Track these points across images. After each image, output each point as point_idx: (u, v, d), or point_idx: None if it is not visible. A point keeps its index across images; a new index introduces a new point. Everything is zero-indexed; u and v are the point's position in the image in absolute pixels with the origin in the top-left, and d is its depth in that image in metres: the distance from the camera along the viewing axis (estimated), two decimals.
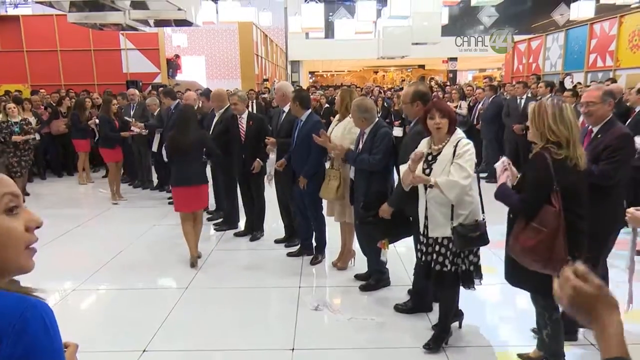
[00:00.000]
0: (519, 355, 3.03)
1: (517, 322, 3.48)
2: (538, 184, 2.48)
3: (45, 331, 0.87)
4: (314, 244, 4.75)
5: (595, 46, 10.81)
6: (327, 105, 10.48)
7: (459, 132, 3.00)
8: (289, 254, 4.85)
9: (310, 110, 4.53)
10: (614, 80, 8.44)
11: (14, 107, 7.07)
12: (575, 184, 2.48)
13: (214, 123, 5.53)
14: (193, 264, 4.55)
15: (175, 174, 4.54)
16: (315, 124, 4.39)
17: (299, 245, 4.89)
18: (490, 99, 8.20)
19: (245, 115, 5.07)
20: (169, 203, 6.56)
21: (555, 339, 2.76)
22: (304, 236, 4.81)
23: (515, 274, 2.71)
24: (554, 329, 2.73)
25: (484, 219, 2.98)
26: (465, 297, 3.20)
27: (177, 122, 4.62)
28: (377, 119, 3.80)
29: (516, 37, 16.20)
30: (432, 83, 16.74)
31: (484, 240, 2.95)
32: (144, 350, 3.18)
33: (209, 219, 6.03)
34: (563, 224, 2.42)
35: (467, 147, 2.92)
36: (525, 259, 2.53)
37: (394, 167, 3.70)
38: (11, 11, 22.25)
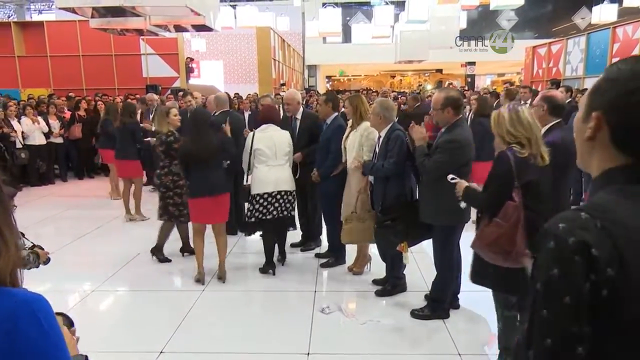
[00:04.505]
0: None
1: None
2: (499, 181, 2.62)
3: (39, 327, 0.82)
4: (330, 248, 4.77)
5: (617, 50, 10.61)
6: (343, 108, 10.49)
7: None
8: (317, 255, 4.91)
9: (337, 114, 4.58)
10: None
11: (177, 113, 4.83)
12: (535, 182, 2.59)
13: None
14: (199, 280, 4.27)
15: (196, 183, 4.09)
16: (336, 129, 4.45)
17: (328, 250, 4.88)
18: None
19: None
20: None
21: (505, 335, 2.87)
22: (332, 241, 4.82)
23: (478, 272, 2.83)
24: (505, 325, 2.86)
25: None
26: (486, 304, 3.15)
27: (190, 128, 4.21)
28: (394, 121, 3.80)
29: (536, 41, 15.96)
30: (451, 88, 16.60)
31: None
32: (161, 352, 3.20)
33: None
34: (523, 217, 2.53)
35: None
36: (488, 253, 2.66)
37: (413, 170, 3.68)
38: (36, 17, 22.82)
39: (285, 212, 4.37)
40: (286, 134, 4.43)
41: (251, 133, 4.33)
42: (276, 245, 4.76)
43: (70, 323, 1.15)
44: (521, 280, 2.63)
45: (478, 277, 2.88)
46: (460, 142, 3.24)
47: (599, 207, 0.87)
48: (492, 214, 2.63)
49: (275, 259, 4.66)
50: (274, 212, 4.28)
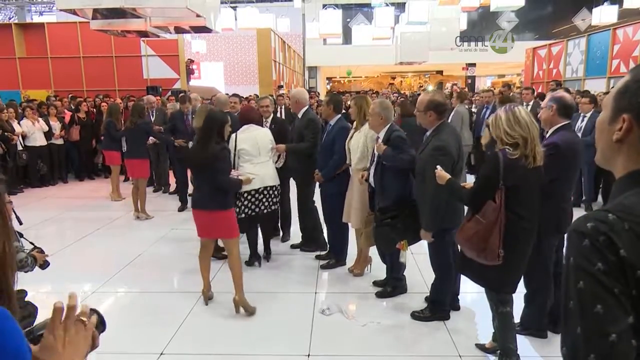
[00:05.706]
0: (476, 345, 3.18)
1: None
2: (484, 180, 2.68)
3: None
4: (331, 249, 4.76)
5: (618, 52, 10.61)
6: (344, 110, 10.48)
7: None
8: (318, 257, 4.89)
9: (340, 115, 4.58)
10: None
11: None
12: (521, 186, 2.61)
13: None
14: (208, 299, 3.96)
15: (194, 194, 3.93)
16: (340, 130, 4.46)
17: (329, 252, 4.87)
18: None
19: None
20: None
21: (502, 332, 2.88)
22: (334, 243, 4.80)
23: (461, 263, 2.88)
24: (501, 322, 2.86)
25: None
26: (486, 305, 3.15)
27: (198, 131, 3.97)
28: (391, 121, 3.81)
29: (536, 42, 15.93)
30: (454, 89, 16.56)
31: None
32: (161, 353, 3.20)
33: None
34: (502, 219, 2.57)
35: None
36: (464, 247, 2.74)
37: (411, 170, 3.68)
38: (36, 19, 22.87)
39: (273, 207, 4.56)
40: (267, 132, 4.61)
41: (233, 135, 4.36)
42: (263, 242, 4.89)
43: (101, 322, 1.10)
44: (498, 276, 2.68)
45: (460, 267, 2.95)
46: (447, 148, 3.23)
47: (627, 209, 0.86)
48: (475, 210, 2.68)
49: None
50: (262, 207, 4.45)
